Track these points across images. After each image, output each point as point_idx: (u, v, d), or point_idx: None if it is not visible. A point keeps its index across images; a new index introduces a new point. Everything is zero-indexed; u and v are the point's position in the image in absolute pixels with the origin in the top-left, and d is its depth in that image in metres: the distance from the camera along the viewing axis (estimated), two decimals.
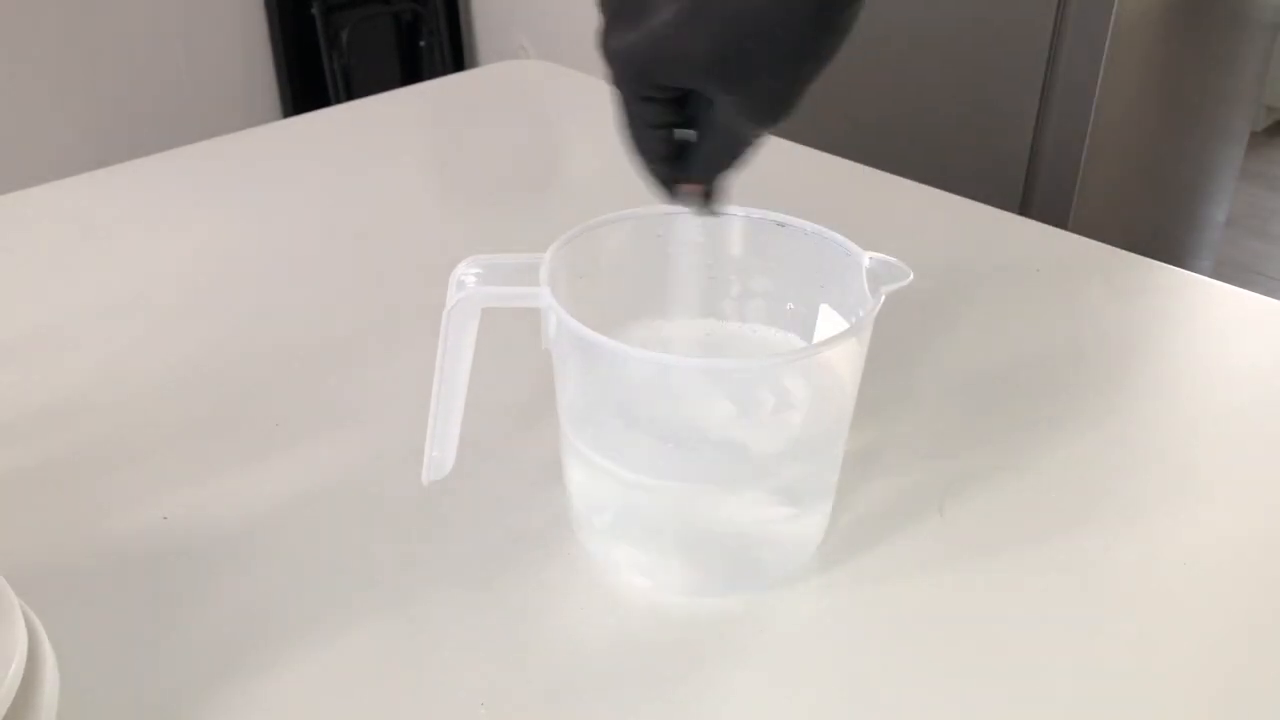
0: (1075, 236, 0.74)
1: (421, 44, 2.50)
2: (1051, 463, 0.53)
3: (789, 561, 0.47)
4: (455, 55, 2.56)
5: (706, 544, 0.46)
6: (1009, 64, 1.37)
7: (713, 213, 0.46)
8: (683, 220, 0.47)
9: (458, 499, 0.50)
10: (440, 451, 0.47)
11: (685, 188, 0.45)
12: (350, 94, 2.41)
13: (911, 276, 0.43)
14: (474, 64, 2.61)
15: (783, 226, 0.47)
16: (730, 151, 0.44)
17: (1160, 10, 1.39)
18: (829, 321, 0.47)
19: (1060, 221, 1.12)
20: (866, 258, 0.44)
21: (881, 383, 0.52)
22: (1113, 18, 1.27)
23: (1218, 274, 0.98)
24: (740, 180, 0.45)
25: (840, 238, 0.46)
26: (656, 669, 0.42)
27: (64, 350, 0.63)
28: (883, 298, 0.42)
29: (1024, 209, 1.42)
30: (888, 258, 0.44)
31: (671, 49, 0.40)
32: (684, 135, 0.44)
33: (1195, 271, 0.71)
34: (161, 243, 0.75)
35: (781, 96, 0.41)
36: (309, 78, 2.43)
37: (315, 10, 2.35)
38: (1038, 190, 1.41)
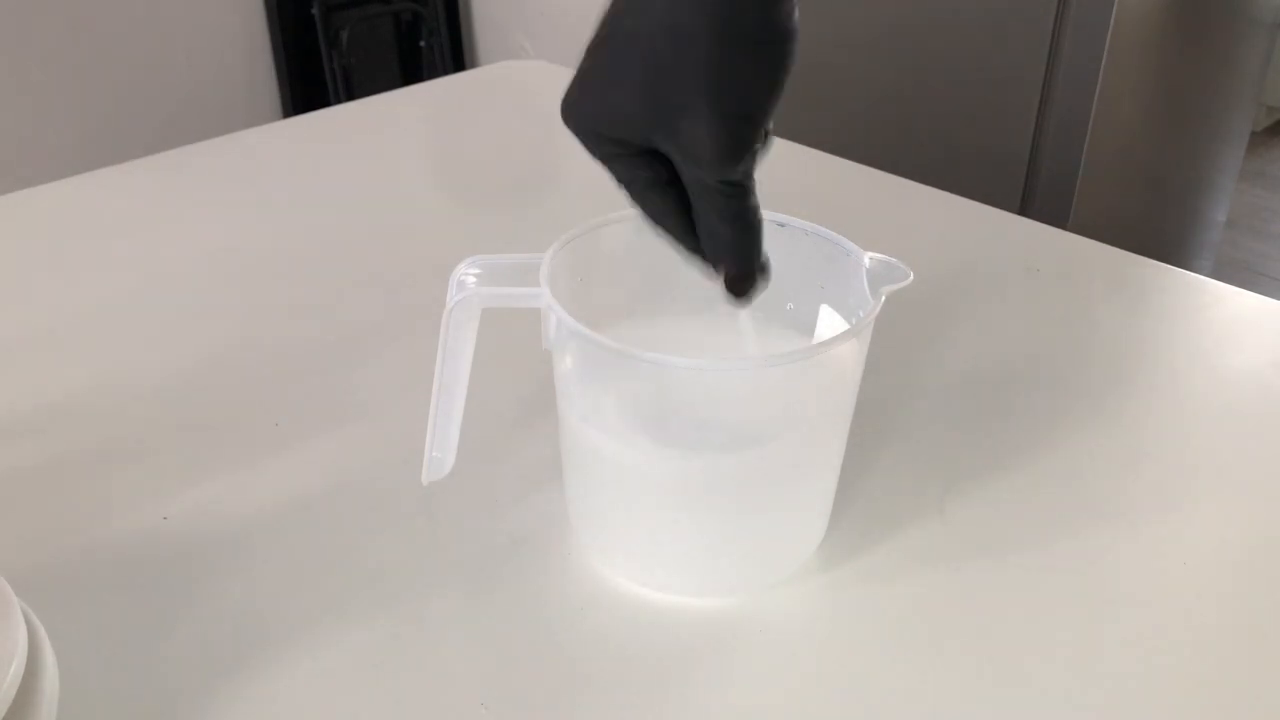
0: (1075, 236, 0.74)
1: (421, 44, 2.50)
2: (1051, 463, 0.53)
3: (789, 561, 0.47)
4: (455, 55, 2.56)
5: (706, 544, 0.46)
6: (1009, 63, 1.37)
7: (746, 300, 0.41)
8: None
9: (458, 499, 0.50)
10: (440, 451, 0.47)
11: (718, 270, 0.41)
12: (350, 94, 2.41)
13: (911, 276, 0.43)
14: (474, 64, 2.61)
15: (783, 226, 0.47)
16: (723, 214, 0.38)
17: (1160, 10, 1.39)
18: (829, 321, 0.47)
19: (1060, 221, 1.12)
20: (866, 258, 0.44)
21: (881, 383, 0.52)
22: (1113, 18, 1.27)
23: (1218, 274, 0.98)
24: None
25: (840, 238, 0.45)
26: (657, 669, 0.42)
27: (64, 350, 0.63)
28: (883, 298, 0.42)
29: (1024, 209, 1.42)
30: (888, 258, 0.44)
31: (602, 102, 0.37)
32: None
33: (1195, 271, 0.71)
34: (162, 242, 0.75)
35: (725, 132, 0.35)
36: (309, 78, 2.43)
37: (315, 10, 2.35)
38: (1038, 190, 1.41)
